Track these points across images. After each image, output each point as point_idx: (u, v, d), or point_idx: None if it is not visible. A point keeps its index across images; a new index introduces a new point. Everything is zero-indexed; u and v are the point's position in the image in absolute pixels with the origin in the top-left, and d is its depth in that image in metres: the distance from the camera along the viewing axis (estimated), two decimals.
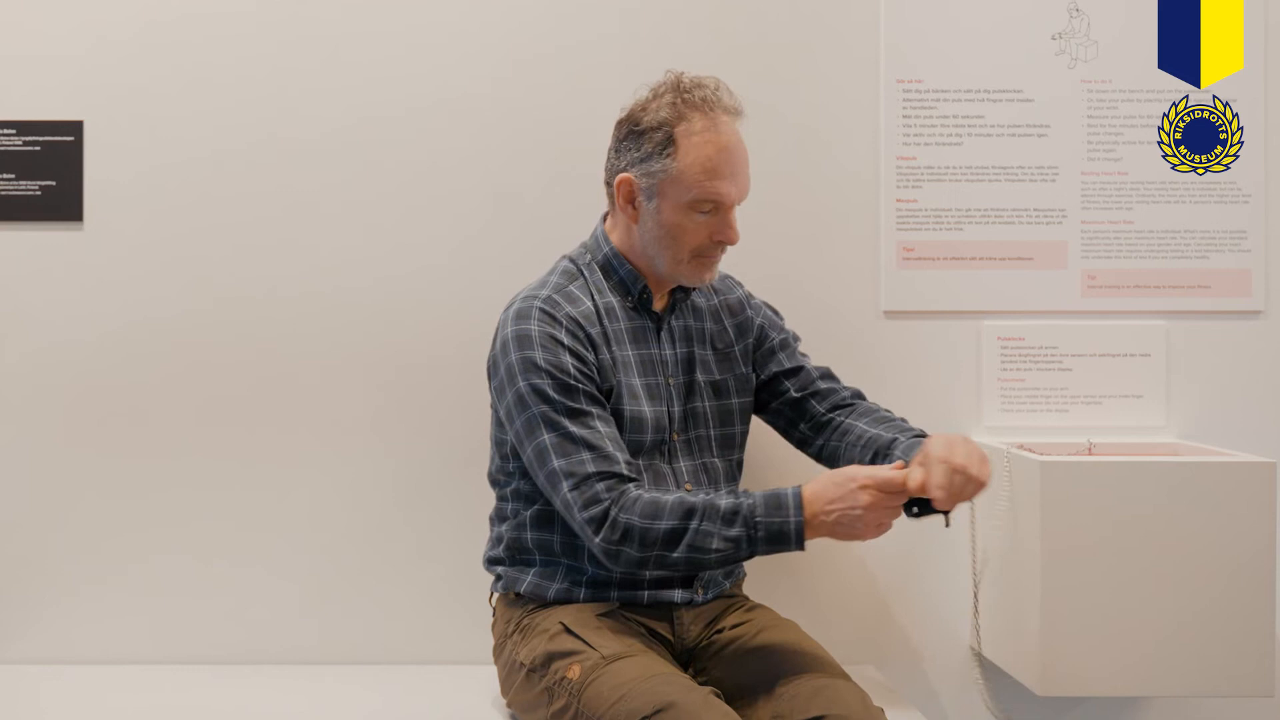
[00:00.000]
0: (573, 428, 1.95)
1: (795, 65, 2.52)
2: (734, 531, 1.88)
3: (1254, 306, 2.53)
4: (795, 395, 2.20)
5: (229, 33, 2.47)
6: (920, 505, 1.92)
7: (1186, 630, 2.20)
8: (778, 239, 2.50)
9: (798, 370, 2.22)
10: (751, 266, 2.32)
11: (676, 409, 2.10)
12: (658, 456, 2.08)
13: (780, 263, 2.49)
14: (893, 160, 2.51)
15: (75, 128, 2.47)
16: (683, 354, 2.13)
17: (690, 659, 2.08)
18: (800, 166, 2.51)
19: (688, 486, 2.08)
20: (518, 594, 2.09)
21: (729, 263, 2.17)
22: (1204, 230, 2.53)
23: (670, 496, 1.91)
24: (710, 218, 2.01)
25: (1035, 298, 2.52)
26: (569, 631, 1.97)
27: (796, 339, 2.27)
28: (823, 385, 2.21)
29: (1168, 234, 2.53)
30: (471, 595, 2.36)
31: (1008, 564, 2.32)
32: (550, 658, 1.96)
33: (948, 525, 1.97)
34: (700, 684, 1.95)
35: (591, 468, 1.92)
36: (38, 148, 2.46)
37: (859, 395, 2.23)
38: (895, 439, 2.07)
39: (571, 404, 1.96)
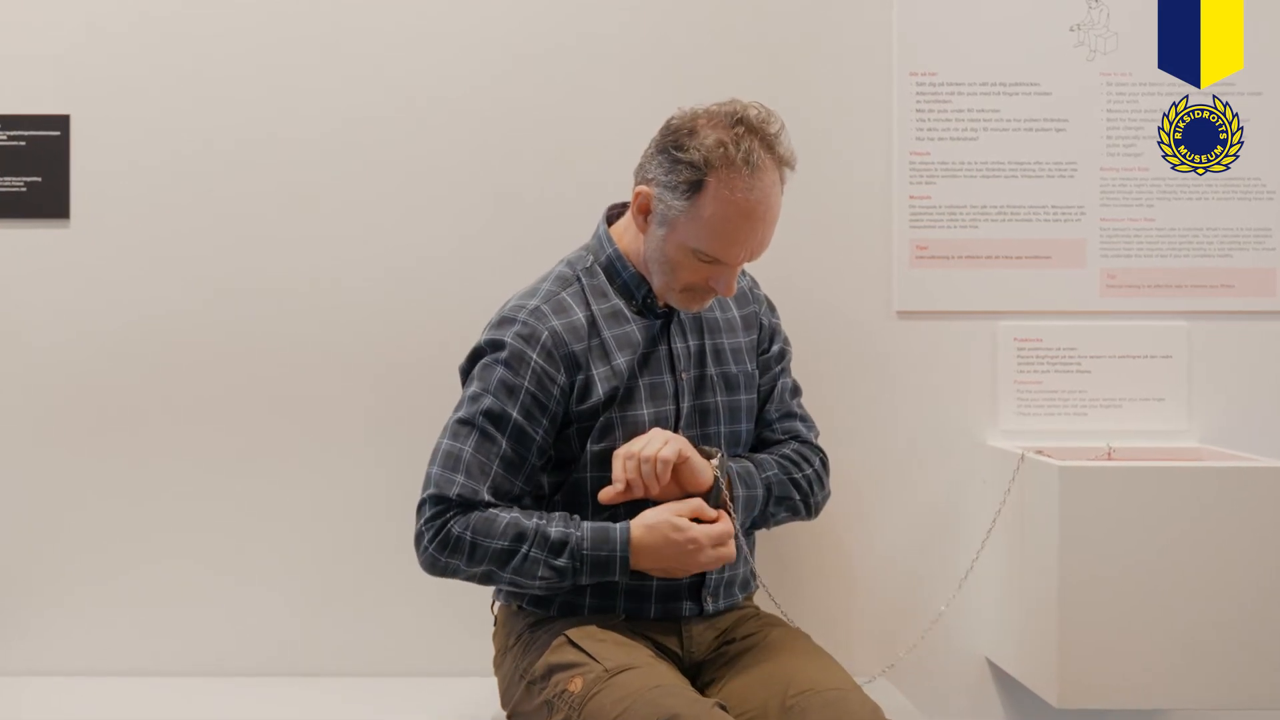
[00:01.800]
0: (468, 449, 1.99)
1: (804, 58, 2.51)
2: (560, 562, 1.95)
3: (1279, 307, 2.54)
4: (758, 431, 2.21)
5: (221, 24, 2.47)
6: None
7: (1210, 640, 2.20)
8: (787, 237, 2.46)
9: (766, 405, 2.20)
10: (760, 266, 2.30)
11: (685, 404, 2.08)
12: None
13: (789, 262, 2.48)
14: (905, 156, 2.51)
15: (62, 122, 2.46)
16: (694, 346, 2.11)
17: (699, 671, 2.07)
18: (810, 163, 2.48)
19: None
20: (520, 606, 2.09)
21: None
22: (1227, 228, 2.53)
23: (506, 515, 1.96)
24: (711, 266, 1.99)
25: (1053, 297, 2.52)
26: (572, 643, 1.96)
27: (788, 344, 2.25)
28: (777, 429, 2.20)
29: (1190, 231, 2.53)
30: (472, 604, 2.35)
31: (1025, 572, 2.33)
32: (552, 670, 1.95)
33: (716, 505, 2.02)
34: (707, 696, 1.95)
35: (454, 491, 1.97)
36: (23, 143, 2.46)
37: (797, 438, 2.20)
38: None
39: (489, 428, 1.99)
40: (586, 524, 1.97)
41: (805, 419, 2.23)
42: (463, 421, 2.01)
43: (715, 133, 1.94)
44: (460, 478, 1.97)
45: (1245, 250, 2.52)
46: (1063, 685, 2.21)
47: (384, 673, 2.47)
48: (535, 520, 1.96)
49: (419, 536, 2.00)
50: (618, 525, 1.97)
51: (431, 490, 1.99)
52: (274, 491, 2.49)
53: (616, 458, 1.97)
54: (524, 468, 2.01)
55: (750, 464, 2.10)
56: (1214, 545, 2.20)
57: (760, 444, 2.20)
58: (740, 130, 1.94)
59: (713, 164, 1.93)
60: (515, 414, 1.99)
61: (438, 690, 2.38)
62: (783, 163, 1.98)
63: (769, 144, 1.96)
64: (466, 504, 1.97)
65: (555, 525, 1.96)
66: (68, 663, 2.47)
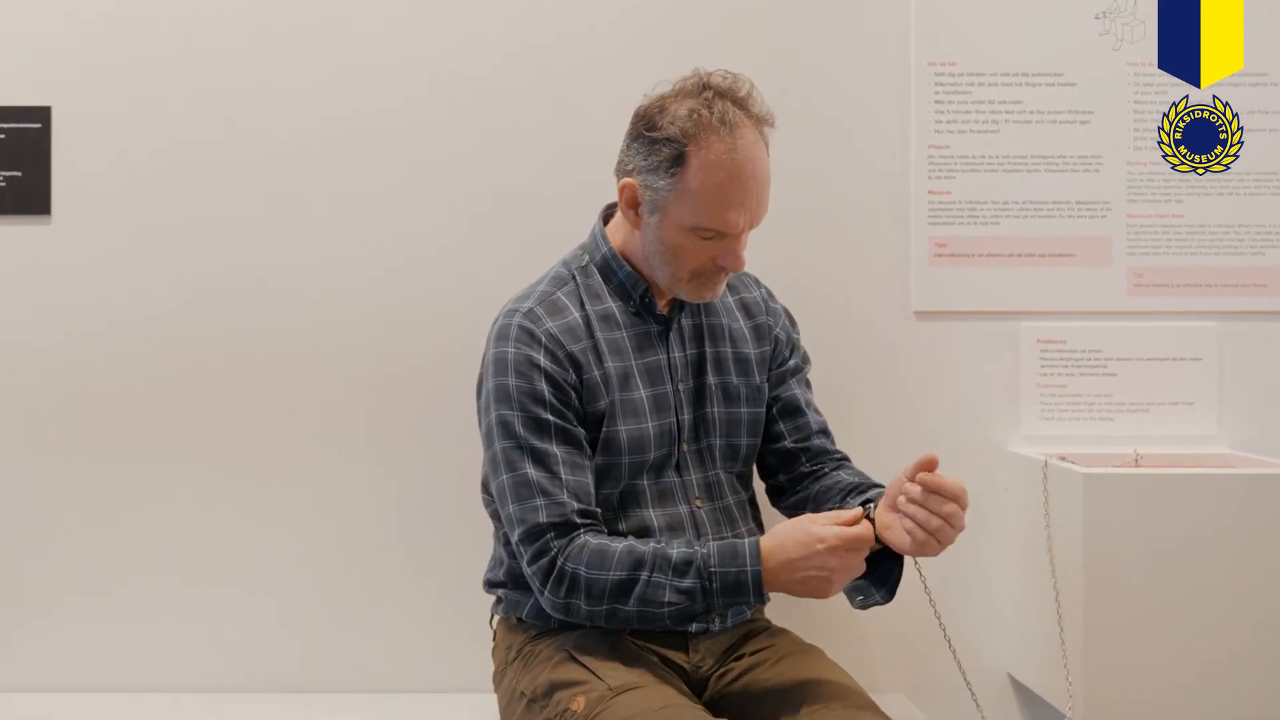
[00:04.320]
0: (530, 470, 1.95)
1: (818, 48, 2.51)
2: (687, 583, 1.88)
3: None
4: (790, 446, 2.18)
5: (210, 12, 2.46)
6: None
7: (1243, 655, 2.20)
8: (800, 235, 2.49)
9: (798, 414, 2.19)
10: (772, 265, 2.31)
11: (686, 416, 2.08)
12: (667, 470, 2.07)
13: (803, 260, 2.49)
14: (924, 149, 2.51)
15: (43, 114, 2.46)
16: (692, 355, 2.11)
17: (705, 686, 2.06)
18: (823, 157, 2.50)
19: (698, 502, 2.07)
20: (520, 619, 2.08)
21: (747, 259, 2.16)
22: (1259, 224, 2.52)
23: (619, 545, 1.91)
24: (714, 242, 1.98)
25: (1077, 297, 2.52)
26: (574, 659, 1.95)
27: (807, 361, 2.25)
28: (817, 443, 2.19)
29: (1220, 228, 2.53)
30: (471, 617, 2.35)
31: (1048, 584, 2.33)
32: (553, 687, 1.95)
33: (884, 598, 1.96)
34: (716, 716, 1.94)
35: (543, 516, 1.93)
36: (2, 135, 2.45)
37: (847, 459, 2.21)
38: (870, 484, 2.07)
39: (536, 442, 1.96)
40: (713, 542, 1.93)
41: (833, 439, 2.23)
42: (510, 449, 1.98)
43: (685, 103, 1.97)
44: (540, 500, 1.94)
45: (1278, 248, 2.53)
46: (1088, 701, 2.20)
47: (381, 688, 2.47)
48: (652, 545, 1.92)
49: (530, 581, 1.97)
50: (746, 540, 1.92)
51: (520, 529, 1.95)
52: (267, 500, 2.48)
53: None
54: (585, 462, 1.99)
55: None
56: (1245, 556, 2.20)
57: (805, 451, 2.18)
58: (710, 94, 1.96)
59: (689, 132, 1.94)
60: (550, 417, 1.97)
61: (436, 707, 2.38)
62: (760, 121, 1.99)
63: (741, 104, 1.98)
64: (561, 526, 1.93)
65: (676, 546, 1.92)
66: (54, 677, 2.47)
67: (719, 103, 1.96)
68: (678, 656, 2.05)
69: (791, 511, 2.17)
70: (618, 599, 1.90)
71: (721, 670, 2.07)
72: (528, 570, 1.95)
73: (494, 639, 2.18)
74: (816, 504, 2.12)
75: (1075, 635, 2.22)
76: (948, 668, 2.49)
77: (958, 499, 1.85)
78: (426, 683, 2.48)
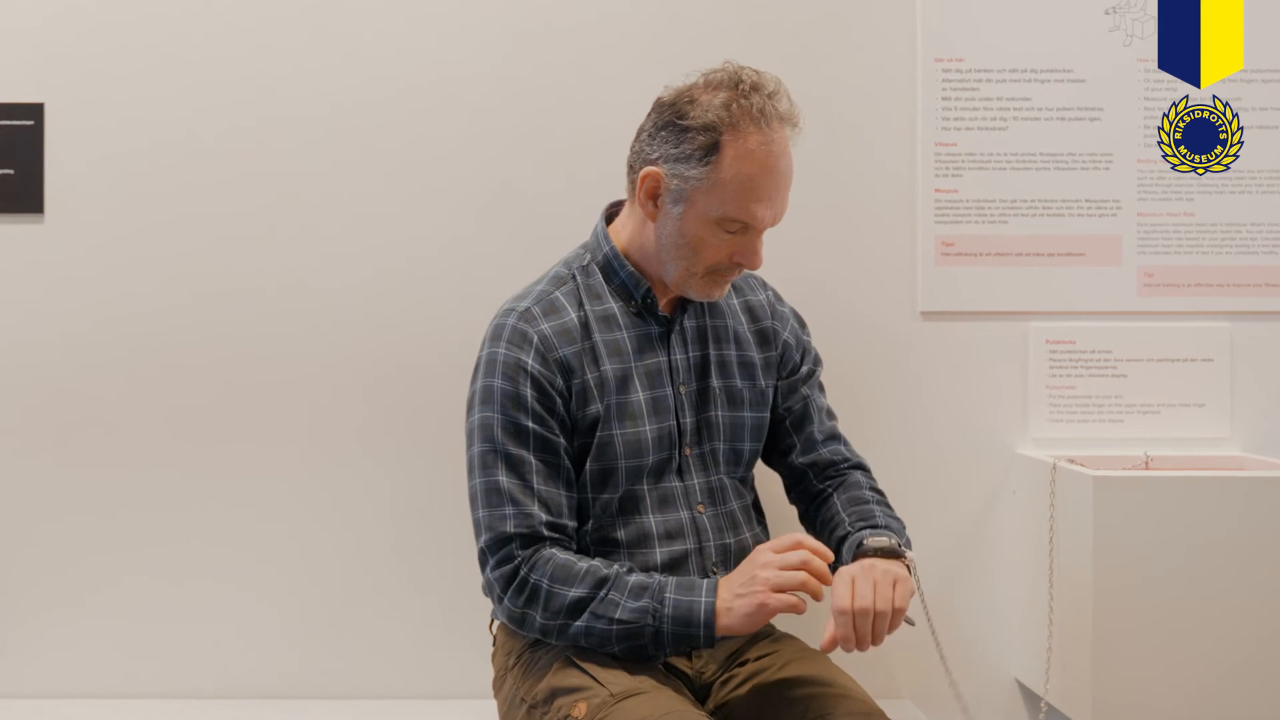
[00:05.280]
0: (503, 477, 1.97)
1: (824, 44, 2.50)
2: (640, 603, 1.90)
3: None
4: (798, 463, 2.19)
5: (204, 6, 2.46)
6: None
7: (1253, 661, 2.19)
8: (805, 234, 2.48)
9: (806, 427, 2.19)
10: (776, 265, 2.28)
11: (688, 420, 2.08)
12: (668, 475, 2.07)
13: (808, 260, 2.48)
14: (931, 147, 2.50)
15: (35, 110, 2.46)
16: (696, 357, 2.11)
17: (709, 692, 2.05)
18: (829, 154, 2.50)
19: (700, 507, 2.07)
20: None
21: None
22: (1271, 223, 2.52)
23: (585, 564, 1.93)
24: (735, 237, 1.99)
25: (1087, 297, 2.52)
26: (575, 665, 1.94)
27: (819, 364, 2.24)
28: (825, 452, 2.19)
29: (1232, 227, 2.53)
30: (471, 622, 2.35)
31: (1056, 588, 2.32)
32: (554, 693, 1.94)
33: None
34: None
35: (510, 526, 1.95)
36: None
37: (858, 466, 2.20)
38: (846, 535, 2.07)
39: (512, 449, 1.97)
40: (673, 577, 1.95)
41: (846, 441, 2.23)
42: (485, 452, 1.99)
43: (720, 94, 1.97)
44: (509, 509, 1.96)
45: None
46: (1097, 705, 2.20)
47: (380, 694, 2.47)
48: (616, 567, 1.94)
49: (489, 587, 1.98)
50: (707, 579, 1.94)
51: (486, 535, 1.97)
52: (264, 502, 2.48)
53: (839, 615, 1.87)
54: (561, 473, 2.00)
55: (890, 530, 2.06)
56: (1257, 559, 2.19)
57: (811, 467, 2.19)
58: (745, 87, 1.98)
59: (726, 122, 1.95)
60: (531, 424, 1.98)
61: (436, 713, 2.38)
62: (785, 120, 2.00)
63: (772, 99, 1.99)
64: (529, 537, 1.95)
65: (636, 573, 1.94)
66: (42, 683, 2.47)
67: (755, 96, 1.97)
68: (681, 662, 2.05)
69: (808, 526, 2.20)
70: (571, 615, 1.92)
71: (725, 676, 2.07)
72: (489, 575, 1.97)
73: (494, 644, 2.18)
74: (818, 534, 2.14)
75: (1084, 640, 2.21)
76: (954, 673, 2.49)
77: (865, 611, 1.87)
78: (426, 688, 2.47)
